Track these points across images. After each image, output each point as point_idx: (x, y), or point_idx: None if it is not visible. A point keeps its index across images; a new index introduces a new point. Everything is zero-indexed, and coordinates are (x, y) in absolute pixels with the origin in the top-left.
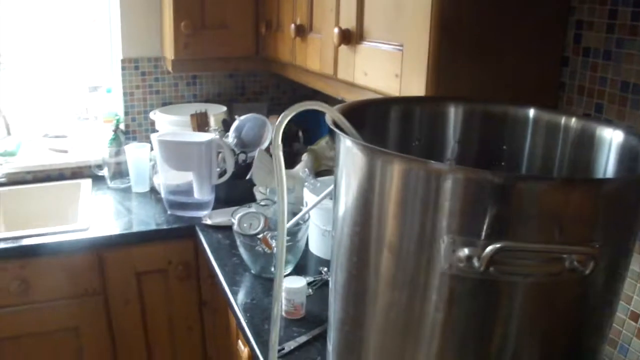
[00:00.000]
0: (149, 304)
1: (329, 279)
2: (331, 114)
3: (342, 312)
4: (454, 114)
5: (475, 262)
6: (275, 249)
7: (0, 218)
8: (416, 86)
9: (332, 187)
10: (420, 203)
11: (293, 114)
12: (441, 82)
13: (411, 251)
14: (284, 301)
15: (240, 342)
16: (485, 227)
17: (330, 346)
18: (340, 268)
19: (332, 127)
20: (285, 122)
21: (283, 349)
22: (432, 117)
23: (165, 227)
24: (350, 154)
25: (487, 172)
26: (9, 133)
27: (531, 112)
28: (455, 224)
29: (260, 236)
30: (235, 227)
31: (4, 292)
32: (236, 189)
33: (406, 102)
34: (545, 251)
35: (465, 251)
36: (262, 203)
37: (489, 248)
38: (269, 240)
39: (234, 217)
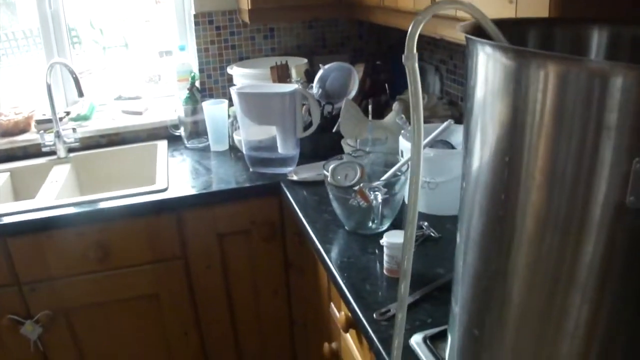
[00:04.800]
0: (232, 268)
1: (432, 234)
2: (476, 15)
3: (481, 264)
4: (597, 39)
5: None
6: (373, 201)
7: (75, 183)
8: (537, 9)
9: (444, 125)
10: (585, 115)
11: (429, 17)
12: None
13: (575, 180)
14: (385, 258)
15: (333, 306)
16: None
17: (457, 307)
18: (479, 213)
19: (466, 35)
20: (420, 26)
21: (389, 310)
22: (573, 42)
23: (247, 185)
24: (491, 64)
25: None
26: (81, 94)
27: None
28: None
29: (356, 188)
30: (329, 179)
31: (83, 259)
32: (322, 143)
33: (544, 24)
34: None
35: None
36: (355, 154)
37: None
38: (366, 192)
39: (327, 168)
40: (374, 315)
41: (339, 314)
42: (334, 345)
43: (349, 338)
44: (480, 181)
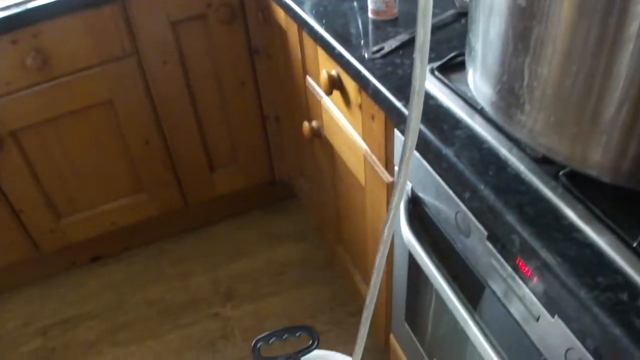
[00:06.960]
0: (191, 61)
1: None
2: None
3: None
4: None
5: None
6: None
7: None
8: None
9: None
10: None
11: None
12: None
13: None
14: None
15: (309, 79)
16: None
17: (479, 42)
18: None
19: None
20: None
21: (382, 48)
22: None
23: None
24: None
25: None
26: None
27: None
28: None
29: None
30: None
31: (21, 70)
32: None
33: None
34: None
35: None
36: None
37: None
38: None
39: None
40: (365, 55)
41: (319, 79)
42: (314, 123)
43: (333, 106)
44: None
